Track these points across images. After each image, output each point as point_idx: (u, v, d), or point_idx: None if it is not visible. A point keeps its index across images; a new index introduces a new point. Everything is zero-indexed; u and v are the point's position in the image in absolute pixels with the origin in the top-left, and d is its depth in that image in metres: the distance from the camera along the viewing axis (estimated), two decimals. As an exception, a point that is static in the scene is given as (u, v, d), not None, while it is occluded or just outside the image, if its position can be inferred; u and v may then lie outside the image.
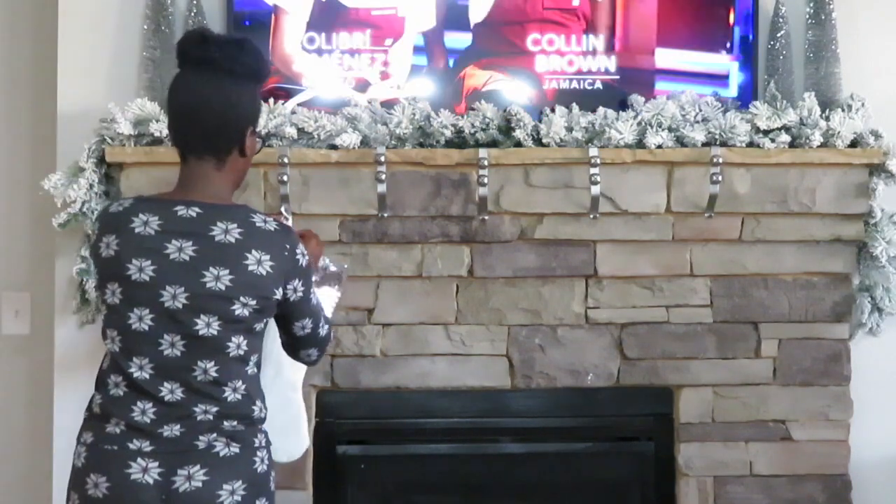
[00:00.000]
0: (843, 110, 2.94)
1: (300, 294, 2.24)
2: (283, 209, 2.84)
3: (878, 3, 3.11)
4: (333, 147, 2.90)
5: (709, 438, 3.02)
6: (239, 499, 2.14)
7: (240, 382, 2.18)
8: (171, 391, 2.14)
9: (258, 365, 2.26)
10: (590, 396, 3.05)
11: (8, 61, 3.27)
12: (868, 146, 2.94)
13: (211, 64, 2.18)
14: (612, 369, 3.02)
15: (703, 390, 3.02)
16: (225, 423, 2.16)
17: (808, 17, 3.04)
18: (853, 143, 2.95)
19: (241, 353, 2.18)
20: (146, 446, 2.12)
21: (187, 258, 2.13)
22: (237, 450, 2.17)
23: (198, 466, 2.13)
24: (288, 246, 2.21)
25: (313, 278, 2.36)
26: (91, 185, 2.86)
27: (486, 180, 2.86)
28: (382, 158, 2.85)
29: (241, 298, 2.15)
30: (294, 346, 2.36)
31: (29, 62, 3.26)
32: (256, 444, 2.21)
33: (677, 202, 2.94)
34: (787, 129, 2.93)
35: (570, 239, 2.97)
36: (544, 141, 2.90)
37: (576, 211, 2.94)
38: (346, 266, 2.85)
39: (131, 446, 2.12)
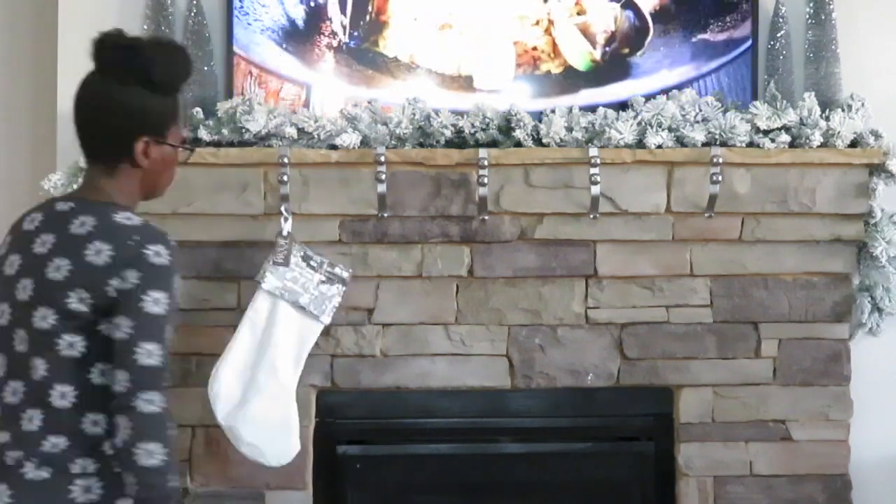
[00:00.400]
0: (843, 110, 2.94)
1: (130, 285, 1.95)
2: (282, 209, 2.84)
3: (878, 3, 3.11)
4: (333, 147, 2.90)
5: (709, 438, 3.02)
6: None
7: (70, 388, 1.97)
8: (13, 391, 2.01)
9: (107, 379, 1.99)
10: (590, 396, 3.05)
11: (8, 61, 3.28)
12: (868, 146, 2.94)
13: (101, 65, 2.08)
14: (612, 369, 3.02)
15: (703, 390, 3.02)
16: (48, 436, 1.96)
17: (808, 17, 3.04)
18: (853, 143, 2.95)
19: (77, 353, 1.97)
20: None
21: (45, 251, 2.02)
22: (47, 474, 1.94)
23: (4, 486, 1.94)
24: (137, 237, 1.99)
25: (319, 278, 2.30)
26: (91, 185, 2.85)
27: (486, 180, 2.86)
28: (382, 158, 2.85)
29: (77, 290, 1.96)
30: (104, 356, 1.99)
31: (29, 62, 3.26)
32: (78, 470, 1.95)
33: (677, 202, 2.94)
34: (787, 129, 2.93)
35: (570, 239, 2.97)
36: (544, 141, 2.90)
37: (576, 211, 2.94)
38: (350, 270, 2.86)
39: None
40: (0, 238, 2.18)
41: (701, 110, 2.95)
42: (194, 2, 2.98)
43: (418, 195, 2.92)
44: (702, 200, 2.92)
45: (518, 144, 2.91)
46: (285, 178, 2.84)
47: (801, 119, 2.93)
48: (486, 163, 2.86)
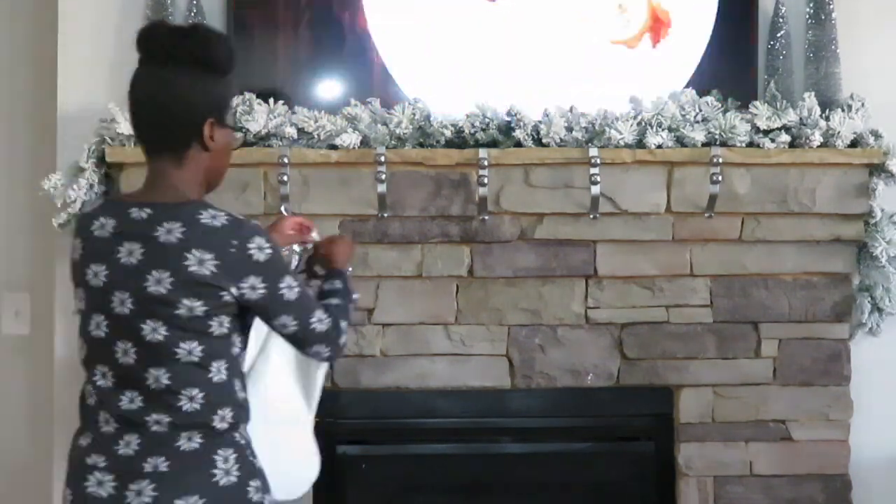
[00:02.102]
0: (843, 110, 2.94)
1: (261, 292, 2.05)
2: (283, 209, 2.84)
3: (878, 3, 3.12)
4: (333, 147, 2.90)
5: (709, 438, 3.02)
6: None
7: (196, 390, 2.04)
8: (130, 400, 2.05)
9: (231, 369, 2.10)
10: (590, 396, 3.05)
11: (8, 62, 3.28)
12: (868, 146, 2.94)
13: (155, 55, 2.07)
14: (612, 369, 3.02)
15: (703, 390, 3.02)
16: (181, 434, 2.03)
17: (808, 17, 3.04)
18: (853, 143, 2.95)
19: (196, 358, 2.04)
20: (101, 461, 2.05)
21: (135, 262, 2.03)
22: (189, 464, 2.03)
23: (147, 482, 2.01)
24: (236, 242, 2.03)
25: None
26: (91, 186, 2.86)
27: (486, 180, 2.86)
28: (382, 158, 2.85)
29: (185, 301, 2.01)
30: (294, 345, 2.21)
31: (29, 62, 3.26)
32: (217, 457, 2.04)
33: (677, 202, 2.94)
34: (787, 129, 2.93)
35: (570, 239, 2.97)
36: (544, 141, 2.90)
37: (576, 211, 2.94)
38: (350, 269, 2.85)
39: (88, 461, 2.06)
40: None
41: (701, 110, 2.95)
42: (194, 2, 2.98)
43: (418, 195, 2.92)
44: (702, 200, 2.92)
45: (518, 144, 2.91)
46: (285, 178, 2.85)
47: (801, 119, 2.93)
48: (486, 163, 2.86)
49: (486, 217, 2.93)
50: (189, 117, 2.07)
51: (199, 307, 2.01)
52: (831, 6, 3.02)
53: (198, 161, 2.10)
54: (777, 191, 2.95)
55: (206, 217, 2.03)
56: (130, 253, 2.03)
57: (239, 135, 2.24)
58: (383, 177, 2.85)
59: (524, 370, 3.00)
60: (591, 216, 2.93)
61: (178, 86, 2.06)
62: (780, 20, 3.03)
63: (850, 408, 3.03)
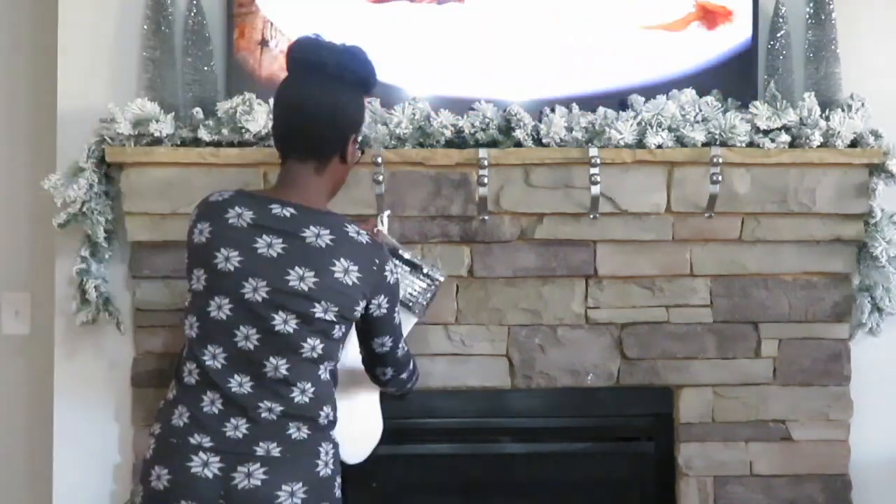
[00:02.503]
0: (843, 110, 2.94)
1: (384, 311, 2.28)
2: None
3: (878, 3, 3.11)
4: (333, 147, 2.90)
5: (709, 438, 3.02)
6: (299, 501, 2.15)
7: (309, 385, 2.19)
8: (239, 384, 2.15)
9: (333, 374, 2.26)
10: (590, 396, 3.05)
11: (8, 61, 3.28)
12: (868, 146, 2.94)
13: (322, 69, 2.22)
14: (612, 369, 3.02)
15: (703, 390, 3.02)
16: (290, 423, 2.17)
17: (808, 17, 3.04)
18: (853, 143, 2.95)
19: (315, 355, 2.19)
20: (206, 442, 2.13)
21: (275, 255, 2.16)
22: (299, 452, 2.18)
23: (258, 465, 2.13)
24: (377, 261, 2.25)
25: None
26: (91, 185, 2.85)
27: (486, 180, 2.86)
28: (380, 160, 2.84)
29: (323, 302, 2.17)
30: (371, 363, 2.39)
31: (29, 62, 3.26)
32: (321, 449, 2.21)
33: (677, 202, 2.94)
34: (787, 129, 2.93)
35: (570, 239, 2.97)
36: (544, 141, 2.90)
37: (576, 211, 2.94)
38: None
39: (192, 441, 2.14)
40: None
41: (701, 110, 2.95)
42: (194, 2, 2.97)
43: (418, 195, 2.92)
44: (702, 200, 2.92)
45: (518, 144, 2.91)
46: (285, 178, 2.84)
47: (801, 119, 2.93)
48: (486, 163, 2.86)
49: (486, 217, 2.93)
50: (343, 132, 2.26)
51: (333, 310, 2.18)
52: (831, 6, 3.02)
53: (334, 171, 2.29)
54: (777, 191, 2.95)
55: (352, 231, 2.24)
56: (270, 245, 2.17)
57: (359, 152, 2.42)
58: (381, 178, 2.84)
59: (524, 370, 3.00)
60: (591, 216, 2.93)
61: (341, 101, 2.23)
62: (780, 20, 3.03)
63: (850, 408, 3.03)
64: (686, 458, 3.02)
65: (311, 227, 2.20)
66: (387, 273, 2.27)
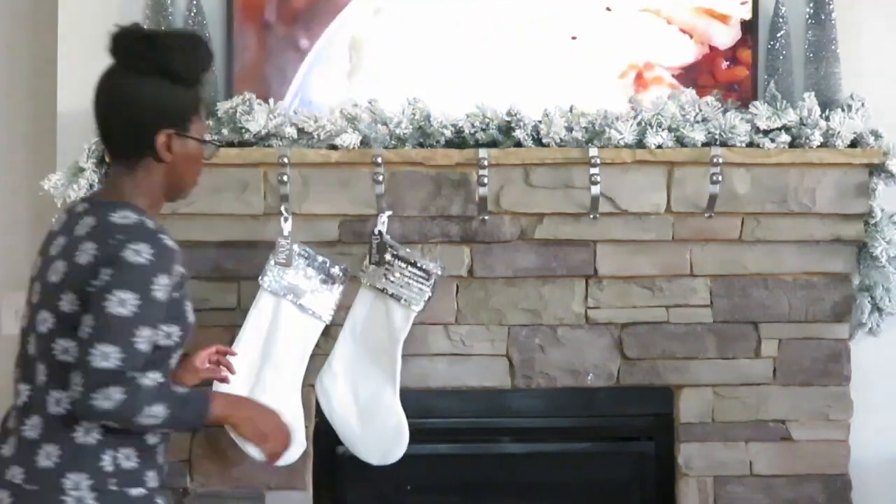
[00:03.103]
0: (843, 110, 2.94)
1: (100, 283, 1.89)
2: (282, 209, 2.83)
3: (878, 3, 3.11)
4: (333, 147, 2.90)
5: (709, 438, 3.02)
6: None
7: (65, 395, 1.90)
8: (18, 394, 1.99)
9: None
10: (590, 396, 3.05)
11: (8, 61, 3.27)
12: (868, 146, 2.94)
13: (114, 61, 2.04)
14: (612, 369, 3.02)
15: (703, 390, 3.02)
16: (43, 445, 1.90)
17: (808, 17, 3.04)
18: (853, 143, 2.95)
19: (70, 359, 1.90)
20: None
21: (54, 254, 1.99)
22: (35, 486, 1.88)
23: (7, 493, 1.90)
24: (121, 236, 1.91)
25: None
26: (91, 185, 2.85)
27: (486, 180, 2.86)
28: (380, 160, 2.84)
29: (66, 293, 1.92)
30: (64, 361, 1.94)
31: (29, 62, 3.26)
32: (68, 485, 1.87)
33: (677, 202, 2.94)
34: (787, 129, 2.93)
35: (570, 239, 2.96)
36: (544, 141, 2.90)
37: (576, 211, 2.93)
38: (344, 266, 2.85)
39: None
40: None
41: (701, 110, 2.95)
42: (194, 2, 2.98)
43: (418, 195, 2.92)
44: (702, 200, 2.92)
45: (518, 144, 2.91)
46: (285, 178, 2.84)
47: (801, 119, 2.92)
48: (486, 163, 2.86)
49: (486, 217, 2.93)
50: (141, 126, 2.00)
51: (74, 301, 1.92)
52: (831, 6, 3.01)
53: (150, 171, 2.03)
54: (777, 191, 2.95)
55: (117, 216, 1.95)
56: (57, 246, 2.00)
57: (211, 147, 2.16)
58: (381, 178, 2.84)
59: (524, 370, 3.00)
60: (591, 216, 2.92)
61: (131, 92, 2.00)
62: (780, 20, 3.03)
63: (850, 408, 3.03)
64: (686, 458, 3.02)
65: (86, 218, 1.99)
66: (127, 250, 1.90)
